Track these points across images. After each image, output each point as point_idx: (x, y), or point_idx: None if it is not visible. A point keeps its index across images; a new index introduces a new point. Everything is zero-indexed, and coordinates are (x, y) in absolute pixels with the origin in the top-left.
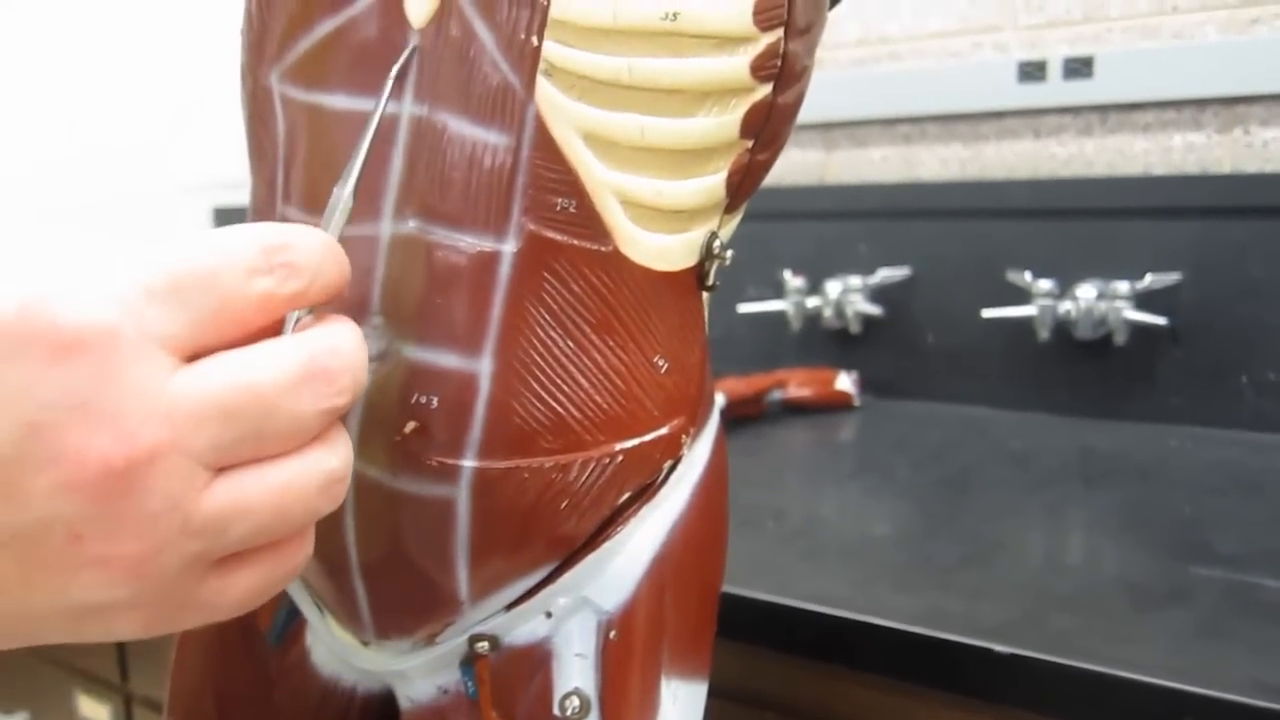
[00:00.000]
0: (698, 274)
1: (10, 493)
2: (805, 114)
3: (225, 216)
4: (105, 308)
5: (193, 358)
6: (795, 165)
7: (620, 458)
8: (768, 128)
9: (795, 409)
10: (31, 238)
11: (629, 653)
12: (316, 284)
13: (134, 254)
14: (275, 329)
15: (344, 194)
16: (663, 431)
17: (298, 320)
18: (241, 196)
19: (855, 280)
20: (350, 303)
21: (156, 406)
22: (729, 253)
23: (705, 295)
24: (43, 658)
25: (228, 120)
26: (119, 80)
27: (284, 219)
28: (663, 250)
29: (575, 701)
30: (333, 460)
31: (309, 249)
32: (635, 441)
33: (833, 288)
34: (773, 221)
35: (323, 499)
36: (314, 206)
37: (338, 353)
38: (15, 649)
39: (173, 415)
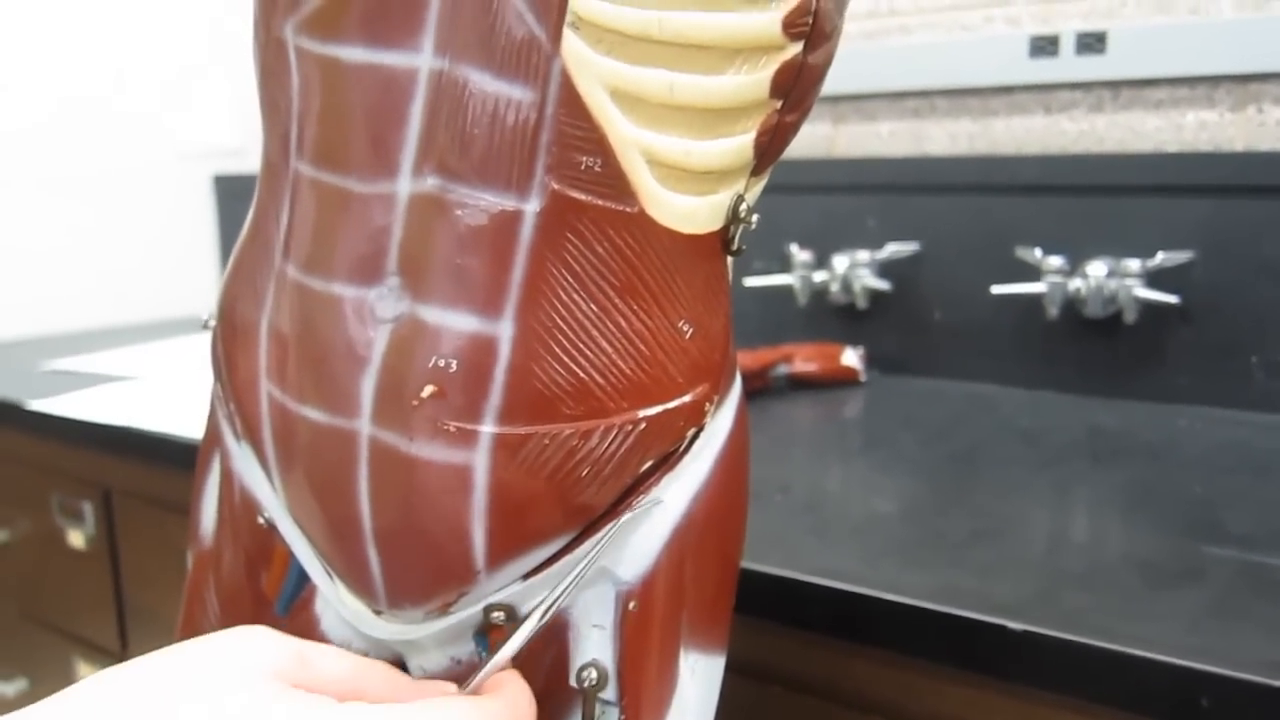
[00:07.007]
0: (723, 238)
1: None
2: None
3: (225, 184)
4: None
5: None
6: (803, 138)
7: (643, 425)
8: (797, 88)
9: (800, 384)
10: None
11: (648, 625)
12: None
13: None
14: None
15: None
16: (686, 399)
17: None
18: (241, 164)
19: (863, 255)
20: (365, 262)
21: None
22: (755, 216)
23: (730, 260)
24: (41, 625)
25: (228, 88)
26: (117, 47)
27: (296, 174)
28: (689, 212)
29: (593, 673)
30: None
31: None
32: (659, 408)
33: (840, 262)
34: (779, 195)
35: None
36: (327, 163)
37: None
38: (12, 615)
39: None
